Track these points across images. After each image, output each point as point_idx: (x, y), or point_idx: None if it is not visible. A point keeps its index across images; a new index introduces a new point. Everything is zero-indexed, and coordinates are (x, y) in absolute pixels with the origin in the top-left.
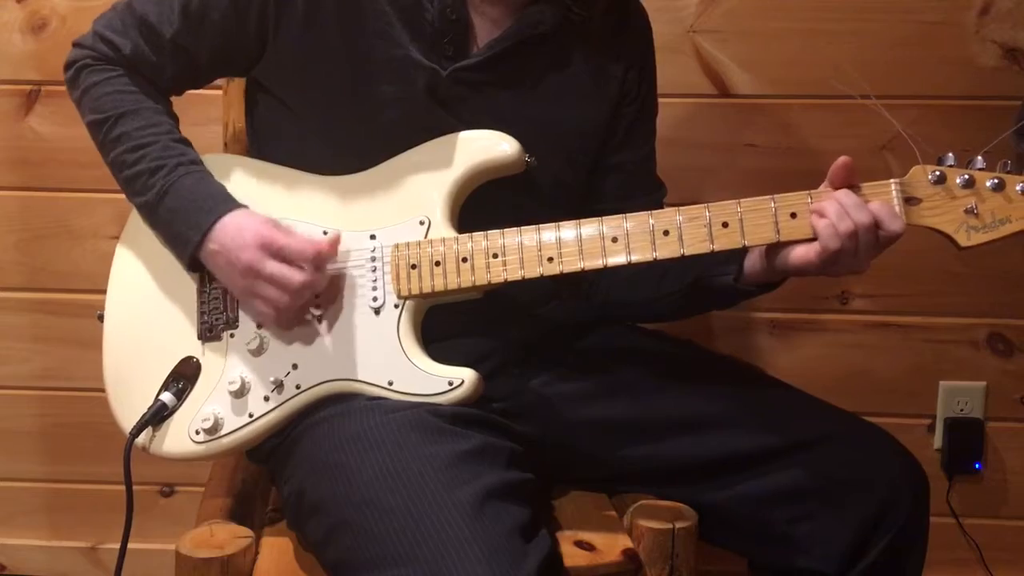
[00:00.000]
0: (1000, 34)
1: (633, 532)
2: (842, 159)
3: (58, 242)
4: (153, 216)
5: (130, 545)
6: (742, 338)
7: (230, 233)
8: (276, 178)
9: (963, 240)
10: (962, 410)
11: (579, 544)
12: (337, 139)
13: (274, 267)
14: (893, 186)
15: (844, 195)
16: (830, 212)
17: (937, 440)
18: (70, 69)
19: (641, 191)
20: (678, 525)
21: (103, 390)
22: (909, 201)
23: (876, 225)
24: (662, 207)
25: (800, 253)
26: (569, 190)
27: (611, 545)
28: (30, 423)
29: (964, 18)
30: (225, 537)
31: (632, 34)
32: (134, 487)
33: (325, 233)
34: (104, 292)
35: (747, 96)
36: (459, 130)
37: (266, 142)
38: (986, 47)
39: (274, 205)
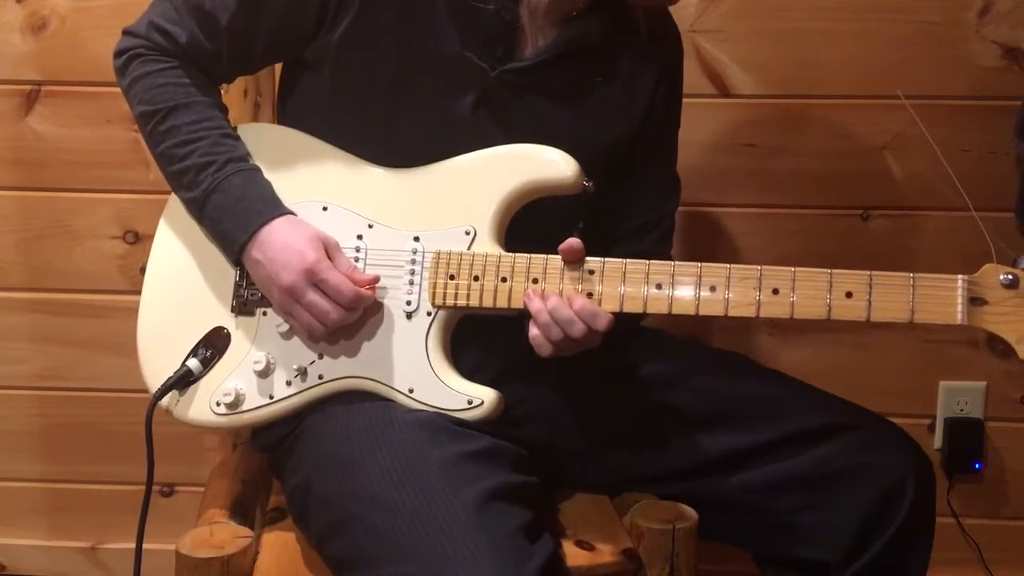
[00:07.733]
0: (1000, 34)
1: (633, 532)
2: (568, 242)
3: (58, 242)
4: (200, 212)
5: (129, 545)
6: (742, 338)
7: (276, 247)
8: (322, 156)
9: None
10: (962, 410)
11: (579, 544)
12: (368, 128)
13: (313, 298)
14: (960, 283)
15: (556, 306)
16: (540, 322)
17: (937, 440)
18: (120, 57)
19: (648, 210)
20: (678, 525)
21: (103, 390)
22: (974, 301)
23: (587, 327)
24: (668, 225)
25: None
26: (585, 203)
27: (611, 545)
28: (30, 423)
29: (964, 18)
30: (225, 537)
31: (668, 48)
32: (133, 487)
33: (371, 227)
34: (104, 292)
35: (747, 96)
36: (495, 132)
37: (294, 121)
38: (986, 47)
39: (319, 184)
